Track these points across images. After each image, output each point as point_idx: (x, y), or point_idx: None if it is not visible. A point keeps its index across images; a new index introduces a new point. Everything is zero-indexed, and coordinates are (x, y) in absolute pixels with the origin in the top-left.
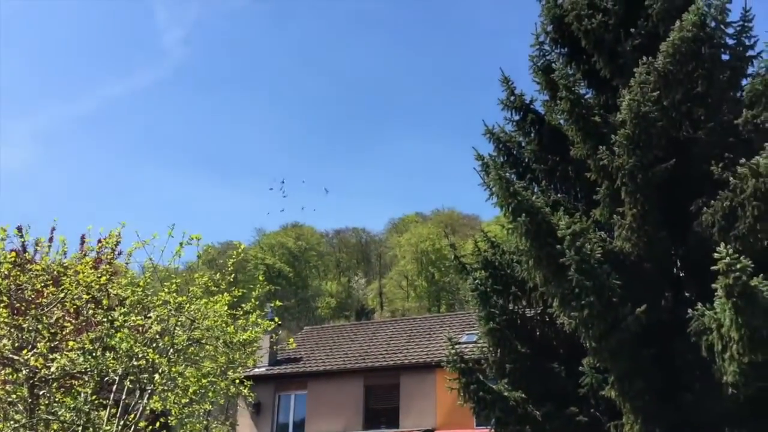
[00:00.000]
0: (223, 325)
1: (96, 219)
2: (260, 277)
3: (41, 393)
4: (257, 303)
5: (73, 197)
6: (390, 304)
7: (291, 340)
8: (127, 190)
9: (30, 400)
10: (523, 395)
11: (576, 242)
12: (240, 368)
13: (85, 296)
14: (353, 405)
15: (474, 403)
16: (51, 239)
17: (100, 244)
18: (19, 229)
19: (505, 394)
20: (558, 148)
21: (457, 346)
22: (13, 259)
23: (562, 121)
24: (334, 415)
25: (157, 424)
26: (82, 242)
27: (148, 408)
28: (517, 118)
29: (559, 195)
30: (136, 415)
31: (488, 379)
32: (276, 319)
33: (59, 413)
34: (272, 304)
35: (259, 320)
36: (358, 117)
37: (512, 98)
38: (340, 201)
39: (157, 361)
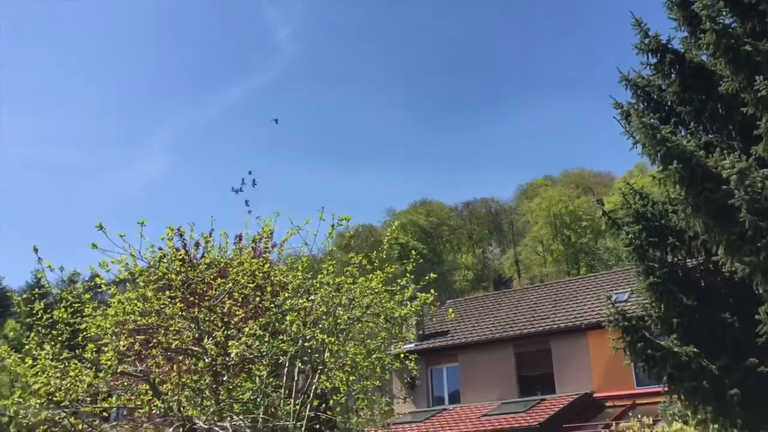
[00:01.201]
0: (382, 301)
1: (237, 217)
2: (413, 252)
3: (223, 379)
4: (411, 277)
5: (209, 199)
6: (527, 271)
7: (450, 310)
8: (260, 187)
9: (214, 386)
10: (694, 349)
11: (744, 181)
12: (400, 343)
13: (250, 285)
14: (505, 374)
15: (642, 362)
16: (206, 237)
17: (257, 235)
18: (177, 229)
19: (676, 349)
20: (703, 86)
21: (617, 305)
22: (182, 256)
23: (705, 57)
24: (487, 386)
25: (331, 401)
26: (239, 239)
27: (319, 387)
28: (654, 60)
29: (710, 135)
30: (309, 394)
31: (653, 336)
32: (432, 291)
33: (241, 396)
34: (427, 276)
35: (418, 294)
36: (472, 89)
37: (647, 40)
38: (465, 174)
39: (326, 340)
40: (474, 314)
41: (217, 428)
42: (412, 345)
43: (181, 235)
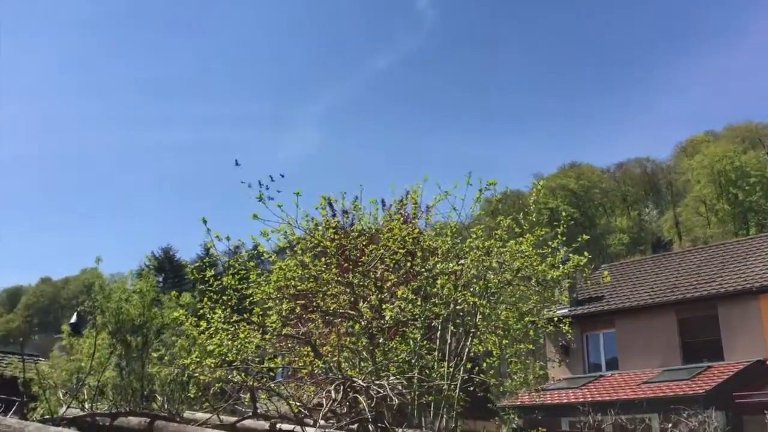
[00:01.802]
0: (533, 264)
1: (385, 186)
2: (564, 215)
3: (379, 341)
4: (563, 239)
5: (356, 172)
6: (688, 233)
7: (606, 273)
8: (402, 156)
9: (370, 348)
10: None
11: None
12: (553, 306)
13: (401, 251)
14: (667, 340)
15: None
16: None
17: (404, 202)
18: (328, 199)
19: None
20: None
21: None
22: (336, 224)
23: None
24: (647, 352)
25: (484, 365)
26: (383, 204)
27: (471, 350)
28: None
29: None
30: (462, 357)
31: None
32: (586, 253)
33: (396, 357)
34: (580, 238)
35: (570, 256)
36: (621, 46)
37: None
38: (616, 134)
39: (477, 303)
40: (631, 278)
41: (375, 386)
42: (565, 310)
43: (330, 205)
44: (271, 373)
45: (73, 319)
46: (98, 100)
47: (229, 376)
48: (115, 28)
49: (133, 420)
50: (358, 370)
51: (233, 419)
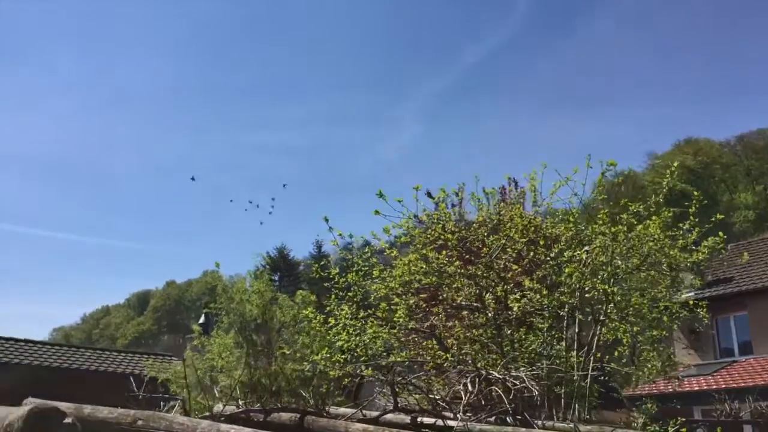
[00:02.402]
0: (663, 248)
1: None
2: (695, 194)
3: (507, 332)
4: (696, 220)
5: (458, 163)
6: None
7: (745, 253)
8: (505, 145)
9: (498, 339)
10: None
11: None
12: (684, 290)
13: (522, 240)
14: None
15: None
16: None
17: (521, 191)
18: (428, 193)
19: None
20: None
21: None
22: (454, 215)
23: None
24: None
25: (615, 353)
26: (503, 192)
27: (601, 339)
28: None
29: None
30: (592, 346)
31: None
32: (720, 234)
33: (525, 348)
34: (713, 218)
35: (709, 238)
36: (735, 9)
37: None
38: (734, 105)
39: (607, 290)
40: (762, 257)
41: (510, 378)
42: (692, 293)
43: (431, 196)
44: (400, 368)
45: (202, 320)
46: (206, 106)
47: (358, 371)
48: (221, 36)
49: (284, 415)
50: (487, 362)
51: (375, 414)
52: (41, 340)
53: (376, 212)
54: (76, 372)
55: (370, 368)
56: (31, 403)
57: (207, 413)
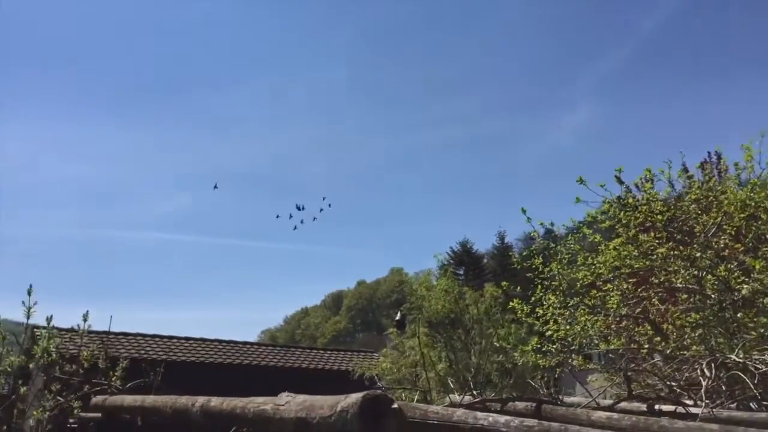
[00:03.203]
0: None
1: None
2: None
3: (732, 315)
4: None
5: (635, 142)
6: None
7: None
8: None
9: (724, 322)
10: None
11: None
12: None
13: (741, 215)
14: None
15: None
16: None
17: (737, 164)
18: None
19: None
20: None
21: None
22: (664, 197)
23: None
24: None
25: None
26: (702, 167)
27: None
28: None
29: None
30: None
31: None
32: None
33: (757, 331)
34: None
35: None
36: None
37: None
38: None
39: None
40: None
41: (751, 363)
42: None
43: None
44: (612, 355)
45: (398, 317)
46: (375, 108)
47: (570, 360)
48: (390, 36)
49: (520, 404)
50: (717, 346)
51: (608, 402)
52: (257, 341)
53: (578, 200)
54: (289, 370)
55: (581, 357)
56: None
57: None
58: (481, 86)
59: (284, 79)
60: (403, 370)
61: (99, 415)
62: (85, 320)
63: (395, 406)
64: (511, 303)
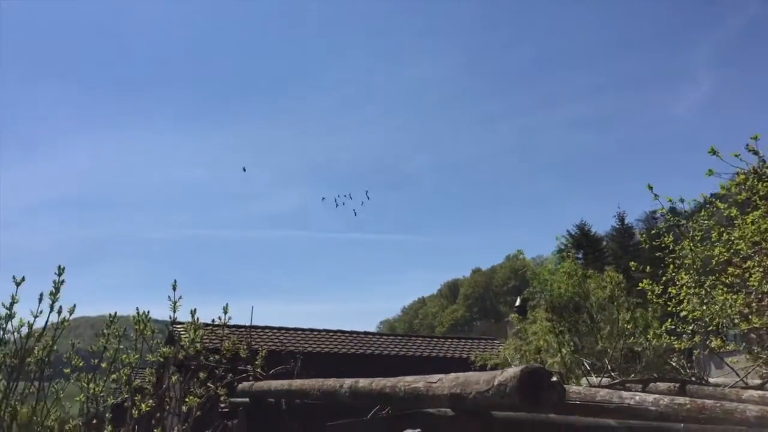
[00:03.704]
0: None
1: None
2: None
3: None
4: None
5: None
6: None
7: None
8: None
9: None
10: None
11: None
12: None
13: None
14: None
15: None
16: None
17: None
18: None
19: None
20: None
21: None
22: None
23: None
24: None
25: None
26: None
27: None
28: None
29: None
30: None
31: None
32: None
33: None
34: None
35: None
36: None
37: None
38: None
39: None
40: None
41: None
42: None
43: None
44: (753, 335)
45: (518, 302)
46: (492, 94)
47: (708, 342)
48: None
49: (662, 385)
50: None
51: (757, 382)
52: (377, 332)
53: (710, 172)
54: (410, 359)
55: (719, 338)
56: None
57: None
58: (593, 62)
59: (388, 71)
60: (527, 356)
61: (246, 399)
62: (225, 312)
63: (554, 378)
64: (640, 284)
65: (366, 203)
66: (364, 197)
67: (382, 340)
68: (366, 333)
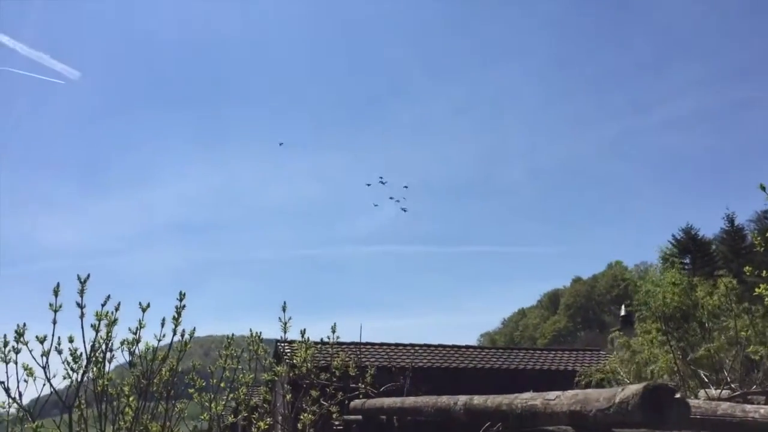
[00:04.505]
0: None
1: None
2: None
3: None
4: None
5: None
6: None
7: None
8: None
9: None
10: None
11: None
12: None
13: None
14: None
15: None
16: None
17: None
18: None
19: None
20: None
21: None
22: None
23: None
24: None
25: None
26: None
27: None
28: None
29: None
30: None
31: None
32: None
33: None
34: None
35: None
36: None
37: None
38: None
39: None
40: None
41: None
42: None
43: None
44: None
45: (622, 313)
46: (587, 95)
47: None
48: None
49: None
50: None
51: None
52: (478, 345)
53: None
54: (513, 372)
55: None
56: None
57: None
58: (694, 56)
59: (478, 80)
60: (635, 369)
61: (359, 417)
62: (333, 332)
63: (678, 395)
64: (756, 290)
65: (460, 215)
66: (456, 207)
67: (484, 353)
68: (467, 347)
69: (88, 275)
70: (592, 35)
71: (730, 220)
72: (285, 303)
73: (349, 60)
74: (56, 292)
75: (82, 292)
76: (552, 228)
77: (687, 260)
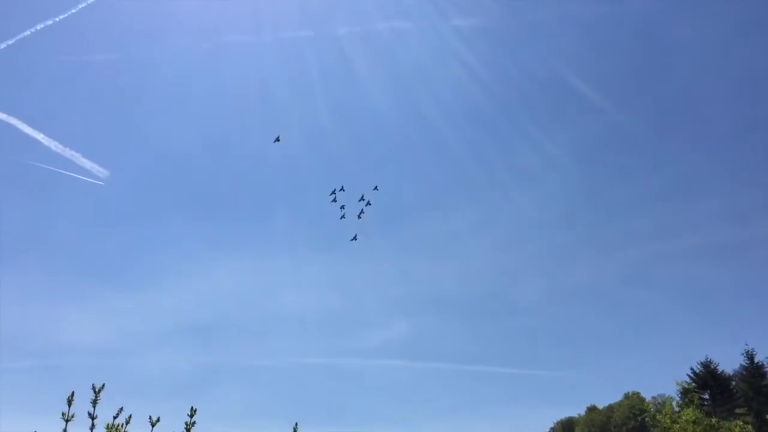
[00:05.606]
0: None
1: None
2: None
3: None
4: None
5: None
6: None
7: None
8: None
9: None
10: None
11: None
12: None
13: None
14: None
15: None
16: None
17: None
18: None
19: None
20: None
21: None
22: None
23: None
24: None
25: None
26: None
27: None
28: None
29: None
30: None
31: None
32: None
33: None
34: None
35: None
36: None
37: None
38: None
39: None
40: None
41: None
42: None
43: None
44: None
45: None
46: (597, 218)
47: None
48: None
49: None
50: None
51: None
52: None
53: None
54: None
55: None
56: None
57: None
58: (719, 187)
59: (499, 200)
60: None
61: None
62: None
63: None
64: None
65: (474, 332)
66: (470, 325)
67: None
68: None
69: (103, 385)
70: (620, 163)
71: (750, 356)
72: (296, 425)
73: (376, 171)
74: (70, 402)
75: (95, 402)
76: (567, 352)
77: (706, 395)
